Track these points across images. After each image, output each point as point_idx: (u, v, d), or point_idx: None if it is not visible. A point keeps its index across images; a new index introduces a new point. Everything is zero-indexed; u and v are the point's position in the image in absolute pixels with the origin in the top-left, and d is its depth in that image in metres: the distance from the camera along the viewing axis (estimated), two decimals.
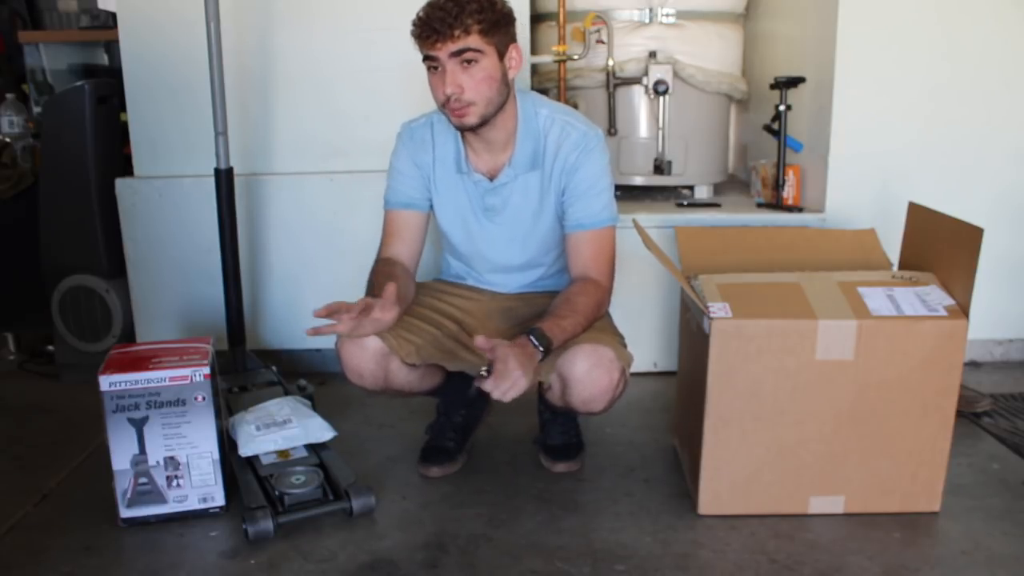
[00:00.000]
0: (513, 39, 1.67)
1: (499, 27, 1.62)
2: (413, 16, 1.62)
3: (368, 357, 1.72)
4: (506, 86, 1.68)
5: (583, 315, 1.69)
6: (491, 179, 1.79)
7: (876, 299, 1.66)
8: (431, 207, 1.87)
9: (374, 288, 1.72)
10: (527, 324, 1.82)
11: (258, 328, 2.55)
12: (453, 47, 1.59)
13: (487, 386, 1.51)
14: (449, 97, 1.63)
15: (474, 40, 1.60)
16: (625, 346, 1.80)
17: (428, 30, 1.59)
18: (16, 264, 2.69)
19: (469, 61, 1.61)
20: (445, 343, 1.80)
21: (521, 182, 1.78)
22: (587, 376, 1.66)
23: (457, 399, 2.01)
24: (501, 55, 1.65)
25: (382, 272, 1.78)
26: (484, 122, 1.68)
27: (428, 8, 1.61)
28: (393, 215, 1.86)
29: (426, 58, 1.64)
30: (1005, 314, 2.56)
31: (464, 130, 1.71)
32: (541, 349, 1.59)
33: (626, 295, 2.32)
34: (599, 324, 1.78)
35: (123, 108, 2.52)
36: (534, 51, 2.67)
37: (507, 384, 1.50)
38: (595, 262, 1.77)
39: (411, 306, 1.82)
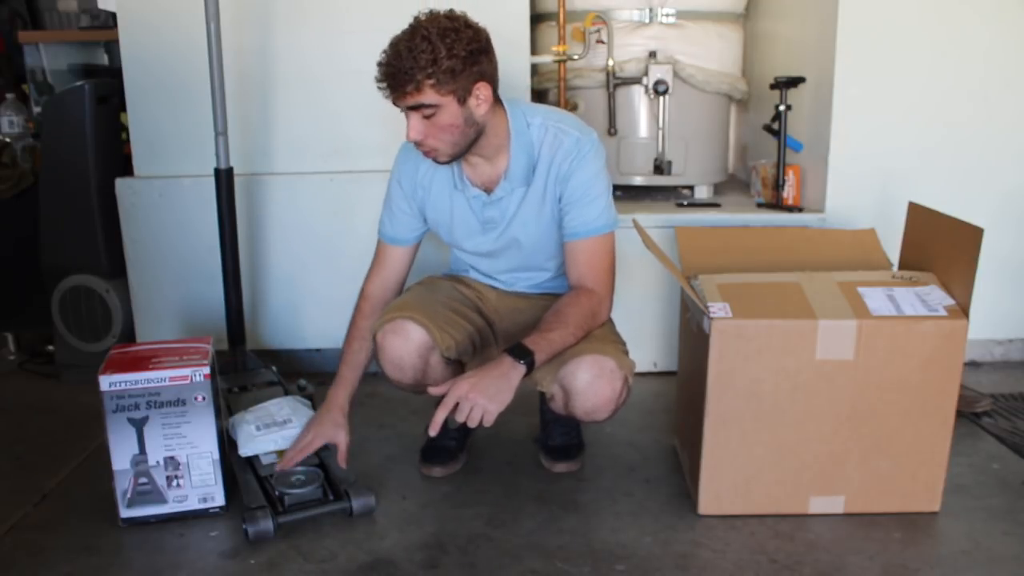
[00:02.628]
0: (479, 77, 1.61)
1: (456, 74, 1.57)
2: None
3: (412, 349, 1.73)
4: (474, 124, 1.65)
5: (574, 326, 1.69)
6: (488, 192, 1.79)
7: (876, 299, 1.66)
8: (420, 235, 1.90)
9: (346, 350, 1.85)
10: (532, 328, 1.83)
11: (258, 328, 2.55)
12: (407, 102, 1.59)
13: (440, 415, 1.58)
14: (415, 142, 1.65)
15: (427, 96, 1.57)
16: (627, 353, 1.79)
17: (382, 83, 1.60)
18: (16, 264, 2.69)
19: (428, 115, 1.60)
20: (476, 339, 1.83)
21: (518, 194, 1.77)
22: (589, 388, 1.65)
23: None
24: (463, 99, 1.61)
25: (356, 330, 1.85)
26: (456, 158, 1.71)
27: (385, 57, 1.59)
28: (382, 245, 1.91)
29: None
30: (1005, 314, 2.56)
31: (441, 164, 1.74)
32: (522, 363, 1.60)
33: (626, 295, 2.32)
34: (599, 333, 1.77)
35: (123, 108, 2.52)
36: (534, 51, 2.66)
37: (471, 412, 1.55)
38: (590, 270, 1.76)
39: (447, 299, 1.85)
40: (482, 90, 1.62)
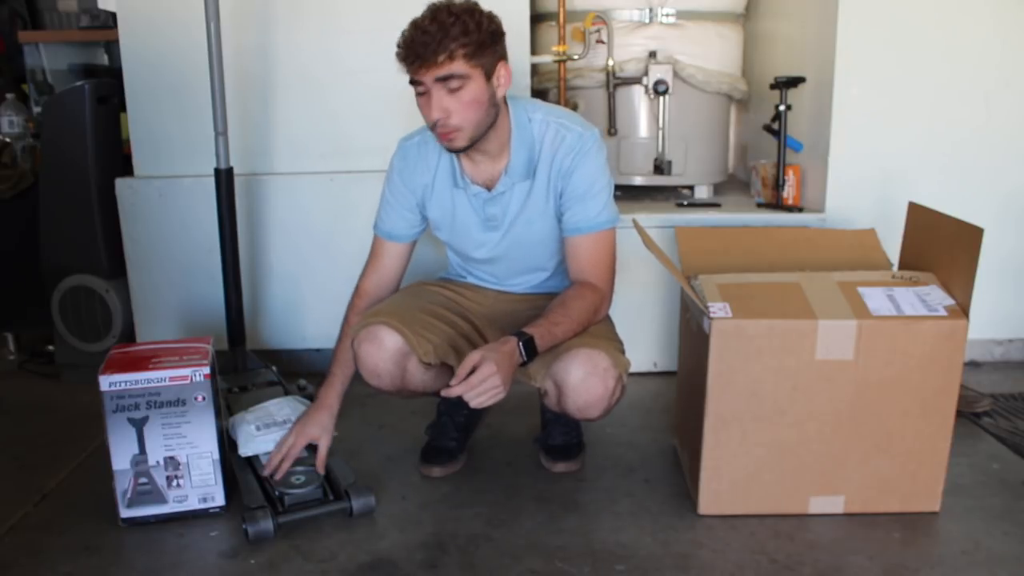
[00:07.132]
0: (502, 57, 1.63)
1: (485, 48, 1.57)
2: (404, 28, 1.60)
3: (387, 357, 1.71)
4: (495, 106, 1.65)
5: (576, 321, 1.70)
6: (489, 189, 1.78)
7: (876, 299, 1.66)
8: (418, 233, 1.89)
9: (338, 348, 1.83)
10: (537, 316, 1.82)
11: (258, 328, 2.55)
12: (438, 72, 1.55)
13: (463, 393, 1.55)
14: (437, 121, 1.61)
15: (459, 66, 1.55)
16: (623, 352, 1.78)
17: (411, 55, 1.56)
18: (16, 264, 2.69)
19: (454, 88, 1.58)
20: (458, 342, 1.81)
21: (519, 189, 1.77)
22: (582, 384, 1.65)
23: (460, 399, 2.01)
24: (489, 76, 1.60)
25: (348, 328, 1.83)
26: (473, 144, 1.67)
27: (411, 30, 1.57)
28: (378, 240, 1.90)
29: (412, 81, 1.60)
30: (1005, 314, 2.56)
31: (454, 152, 1.71)
32: (524, 359, 1.62)
33: (626, 295, 2.32)
34: (596, 329, 1.77)
35: (123, 108, 2.52)
36: (534, 51, 2.67)
37: (486, 397, 1.55)
38: (593, 266, 1.77)
39: (426, 303, 1.83)
40: (504, 70, 1.64)
